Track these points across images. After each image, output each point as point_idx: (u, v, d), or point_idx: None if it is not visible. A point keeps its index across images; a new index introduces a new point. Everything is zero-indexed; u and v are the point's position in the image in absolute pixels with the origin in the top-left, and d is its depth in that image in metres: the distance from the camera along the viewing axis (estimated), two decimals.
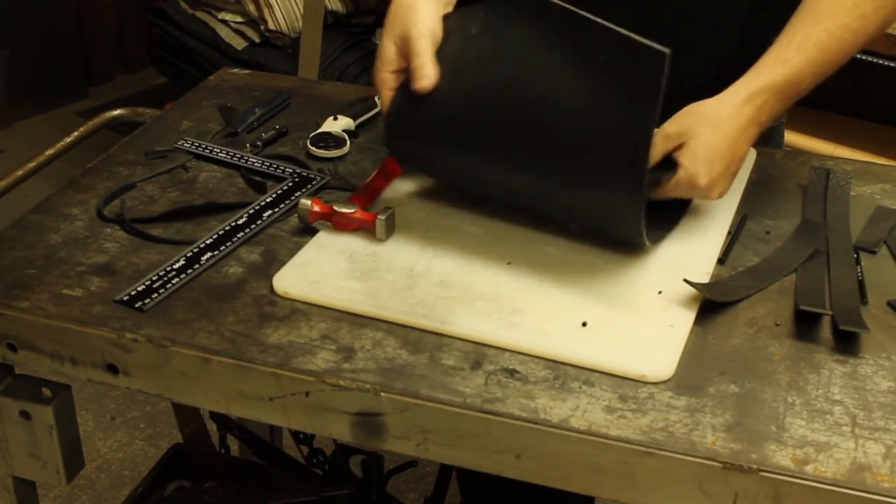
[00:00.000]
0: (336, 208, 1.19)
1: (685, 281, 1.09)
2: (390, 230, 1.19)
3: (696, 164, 1.15)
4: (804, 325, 1.09)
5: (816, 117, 2.43)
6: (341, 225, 1.20)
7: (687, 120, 1.17)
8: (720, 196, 1.19)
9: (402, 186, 1.30)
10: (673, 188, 1.17)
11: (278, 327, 1.07)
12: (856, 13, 1.21)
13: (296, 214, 1.21)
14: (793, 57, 1.19)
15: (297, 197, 1.27)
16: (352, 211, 1.19)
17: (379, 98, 1.23)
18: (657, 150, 1.16)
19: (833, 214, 1.26)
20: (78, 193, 1.29)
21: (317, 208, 1.19)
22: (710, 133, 1.16)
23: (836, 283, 1.14)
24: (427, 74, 1.16)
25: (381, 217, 1.17)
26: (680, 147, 1.16)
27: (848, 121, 2.53)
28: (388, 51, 1.20)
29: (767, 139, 1.45)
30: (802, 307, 1.09)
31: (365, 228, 1.19)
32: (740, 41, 1.36)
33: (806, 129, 2.36)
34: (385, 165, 1.30)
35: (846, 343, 1.06)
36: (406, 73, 1.19)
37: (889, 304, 1.12)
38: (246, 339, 1.05)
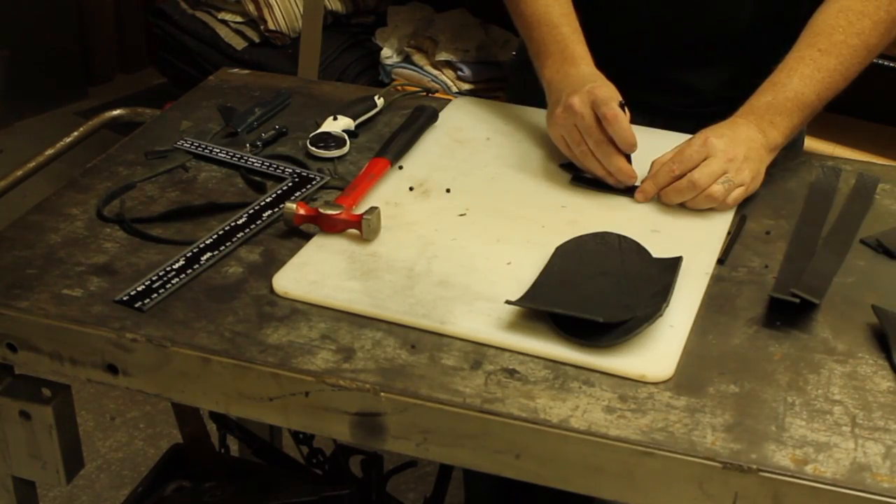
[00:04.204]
0: (321, 210, 1.19)
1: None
2: (376, 230, 1.19)
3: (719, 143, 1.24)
4: (804, 324, 1.09)
5: (816, 117, 2.43)
6: (328, 227, 1.20)
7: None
8: (728, 193, 1.24)
9: (402, 186, 1.30)
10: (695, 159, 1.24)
11: (278, 327, 1.07)
12: (852, 30, 1.30)
13: None
14: (783, 79, 1.29)
15: (296, 197, 1.27)
16: (337, 212, 1.19)
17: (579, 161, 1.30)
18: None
19: (848, 210, 1.27)
20: (78, 193, 1.29)
21: (302, 211, 1.20)
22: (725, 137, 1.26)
23: (814, 266, 1.14)
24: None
25: (367, 217, 1.17)
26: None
27: (848, 121, 2.53)
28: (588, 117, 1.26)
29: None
30: (772, 294, 1.10)
31: (352, 229, 1.19)
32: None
33: (806, 128, 2.35)
34: (370, 166, 1.30)
35: (806, 322, 1.07)
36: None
37: (873, 307, 1.11)
38: (246, 339, 1.05)
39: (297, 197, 1.27)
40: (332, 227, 1.20)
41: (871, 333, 1.08)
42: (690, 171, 1.24)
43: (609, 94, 1.25)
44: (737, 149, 1.24)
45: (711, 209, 1.25)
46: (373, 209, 1.19)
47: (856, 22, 1.29)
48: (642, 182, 1.27)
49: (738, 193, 1.25)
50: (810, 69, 1.29)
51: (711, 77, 1.45)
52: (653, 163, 1.27)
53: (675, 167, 1.24)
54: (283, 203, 1.22)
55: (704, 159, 1.24)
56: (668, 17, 1.42)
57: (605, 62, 1.34)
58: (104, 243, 1.20)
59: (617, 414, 0.97)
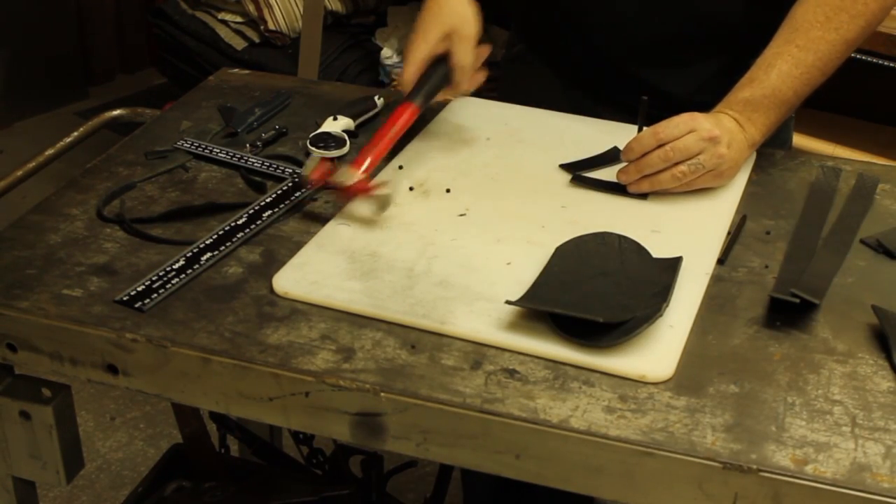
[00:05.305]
0: (336, 179, 1.23)
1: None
2: (387, 204, 1.22)
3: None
4: (804, 325, 1.09)
5: (816, 117, 2.43)
6: (342, 194, 1.24)
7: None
8: (717, 175, 1.26)
9: (402, 185, 1.30)
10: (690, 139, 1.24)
11: (278, 327, 1.07)
12: (830, 25, 1.30)
13: (296, 214, 1.22)
14: (761, 75, 1.29)
15: (296, 197, 1.27)
16: (355, 181, 1.23)
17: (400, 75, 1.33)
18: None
19: (848, 210, 1.27)
20: (78, 193, 1.29)
21: (318, 173, 1.24)
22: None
23: (815, 266, 1.15)
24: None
25: (380, 193, 1.21)
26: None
27: (848, 121, 2.53)
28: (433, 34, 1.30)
29: (775, 135, 1.48)
30: (772, 294, 1.10)
31: (362, 200, 1.23)
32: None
33: (806, 129, 2.36)
34: (397, 114, 1.31)
35: (806, 322, 1.07)
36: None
37: (873, 307, 1.11)
38: (246, 339, 1.05)
39: (296, 197, 1.27)
40: (346, 194, 1.23)
41: (871, 333, 1.08)
42: (671, 142, 1.24)
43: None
44: (721, 133, 1.25)
45: (711, 210, 1.25)
46: (385, 191, 1.22)
47: (833, 17, 1.29)
48: (627, 144, 1.27)
49: (704, 179, 1.26)
50: (788, 66, 1.29)
51: (692, 79, 1.45)
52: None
53: (660, 133, 1.24)
54: (284, 203, 1.23)
55: (687, 133, 1.24)
56: (653, 14, 1.41)
57: (585, 60, 1.33)
58: (104, 243, 1.20)
59: (617, 414, 0.97)
